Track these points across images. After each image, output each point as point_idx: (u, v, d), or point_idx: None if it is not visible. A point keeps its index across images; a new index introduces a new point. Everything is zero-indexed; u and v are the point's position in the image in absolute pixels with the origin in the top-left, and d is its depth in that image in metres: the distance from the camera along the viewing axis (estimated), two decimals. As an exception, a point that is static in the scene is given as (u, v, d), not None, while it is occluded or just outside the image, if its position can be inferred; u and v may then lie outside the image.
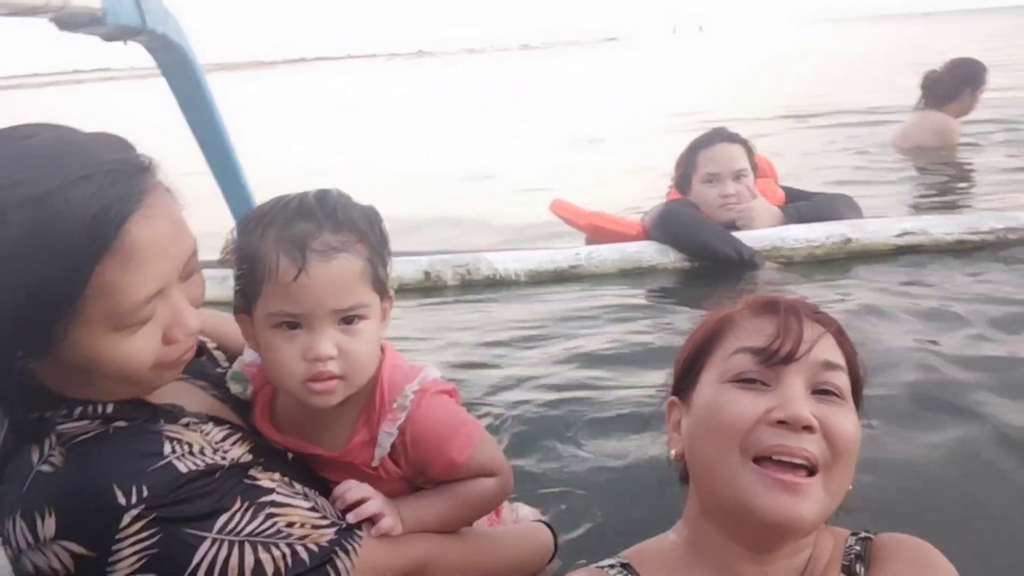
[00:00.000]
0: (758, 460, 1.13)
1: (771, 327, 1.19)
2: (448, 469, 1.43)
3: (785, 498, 1.10)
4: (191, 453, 1.18)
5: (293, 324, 1.31)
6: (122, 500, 1.08)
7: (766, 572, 1.19)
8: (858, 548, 1.24)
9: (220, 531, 1.13)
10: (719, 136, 4.02)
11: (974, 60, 6.53)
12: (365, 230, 1.35)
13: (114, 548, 1.08)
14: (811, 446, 1.12)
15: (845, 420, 1.15)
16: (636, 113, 12.43)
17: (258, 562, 1.14)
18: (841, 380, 1.19)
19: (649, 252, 4.01)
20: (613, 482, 2.25)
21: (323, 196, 1.35)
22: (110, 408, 1.19)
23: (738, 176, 3.96)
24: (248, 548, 1.14)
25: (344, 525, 1.28)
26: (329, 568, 1.21)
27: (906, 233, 3.96)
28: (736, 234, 3.89)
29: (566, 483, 2.25)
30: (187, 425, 1.25)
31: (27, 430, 1.15)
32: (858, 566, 1.21)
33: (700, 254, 3.90)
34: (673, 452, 1.30)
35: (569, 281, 3.99)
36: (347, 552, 1.24)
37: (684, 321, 3.38)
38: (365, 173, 7.69)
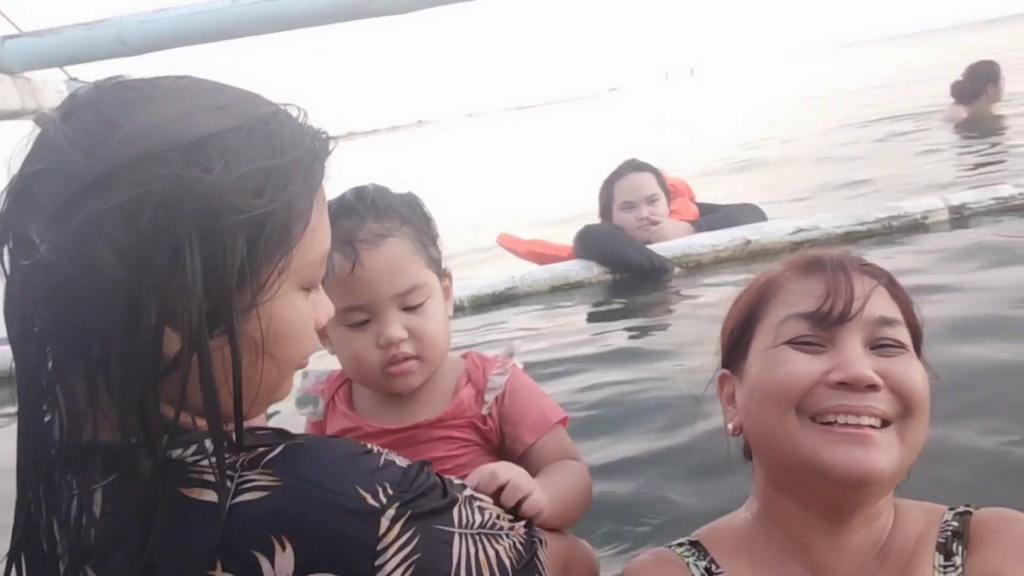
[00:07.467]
0: (819, 420, 1.07)
1: (820, 287, 1.13)
2: (538, 425, 1.43)
3: (856, 450, 1.04)
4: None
5: (361, 318, 1.35)
6: (373, 502, 0.88)
7: (841, 544, 1.13)
8: (956, 524, 1.14)
9: (459, 525, 0.97)
10: (630, 167, 4.54)
11: (986, 60, 7.77)
12: (407, 213, 1.38)
13: (378, 564, 0.87)
14: (878, 403, 1.06)
15: (911, 370, 1.09)
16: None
17: (497, 554, 1.00)
18: (900, 334, 1.12)
19: (575, 269, 4.52)
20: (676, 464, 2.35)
21: (360, 191, 1.39)
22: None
23: (651, 200, 4.48)
24: (486, 541, 1.00)
25: (523, 519, 1.16)
26: (536, 561, 1.08)
27: (800, 230, 4.45)
28: (652, 246, 4.41)
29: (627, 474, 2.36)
30: None
31: (152, 479, 0.84)
32: (955, 544, 1.12)
33: (617, 265, 4.43)
34: (731, 426, 1.23)
35: (508, 302, 4.52)
36: (542, 543, 1.12)
37: (616, 326, 3.89)
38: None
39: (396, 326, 1.35)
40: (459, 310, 4.50)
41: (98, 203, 0.81)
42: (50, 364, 0.87)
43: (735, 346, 1.23)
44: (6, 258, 0.87)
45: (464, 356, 1.53)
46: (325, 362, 1.62)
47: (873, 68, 27.40)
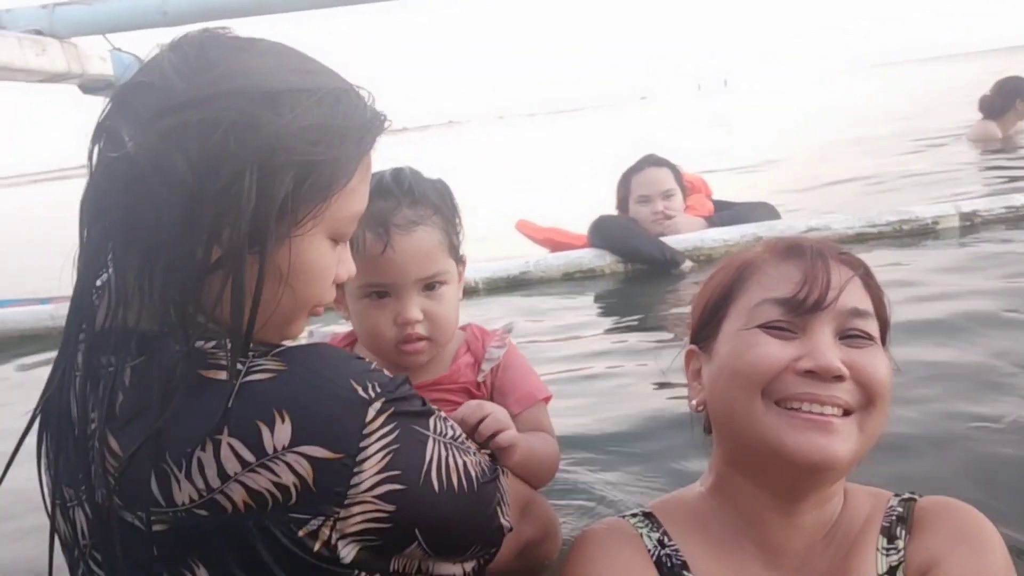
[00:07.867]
0: (783, 405, 1.10)
1: (797, 273, 1.15)
2: (525, 399, 1.54)
3: (817, 436, 1.07)
4: None
5: (382, 293, 1.44)
6: (363, 394, 1.00)
7: (793, 524, 1.16)
8: (900, 510, 1.20)
9: (434, 432, 1.09)
10: (648, 162, 4.64)
11: (1014, 76, 7.73)
12: (438, 203, 1.47)
13: (362, 446, 0.98)
14: (843, 394, 1.09)
15: (877, 362, 1.12)
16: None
17: (465, 464, 1.12)
18: (870, 326, 1.15)
19: (588, 257, 4.64)
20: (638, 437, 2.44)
21: (398, 174, 1.47)
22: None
23: (666, 195, 4.58)
24: (456, 451, 1.11)
25: (488, 452, 1.28)
26: (498, 482, 1.20)
27: (811, 230, 4.54)
28: (666, 238, 4.51)
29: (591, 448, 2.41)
30: None
31: (176, 365, 0.97)
32: (899, 529, 1.17)
33: (630, 255, 4.54)
34: (694, 402, 1.26)
35: (521, 287, 4.64)
36: (504, 472, 1.25)
37: (625, 314, 4.00)
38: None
39: (415, 308, 1.44)
40: (473, 292, 4.63)
41: (182, 117, 0.97)
42: (110, 256, 1.02)
43: (706, 324, 1.24)
44: (95, 155, 1.02)
45: (463, 328, 1.63)
46: (329, 326, 1.73)
47: (908, 87, 27.29)
